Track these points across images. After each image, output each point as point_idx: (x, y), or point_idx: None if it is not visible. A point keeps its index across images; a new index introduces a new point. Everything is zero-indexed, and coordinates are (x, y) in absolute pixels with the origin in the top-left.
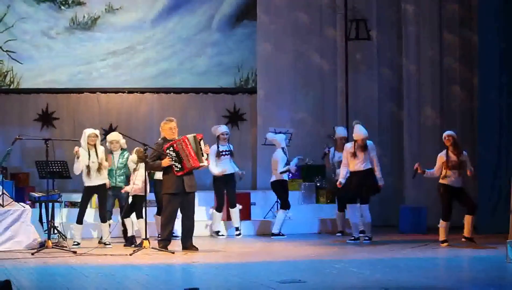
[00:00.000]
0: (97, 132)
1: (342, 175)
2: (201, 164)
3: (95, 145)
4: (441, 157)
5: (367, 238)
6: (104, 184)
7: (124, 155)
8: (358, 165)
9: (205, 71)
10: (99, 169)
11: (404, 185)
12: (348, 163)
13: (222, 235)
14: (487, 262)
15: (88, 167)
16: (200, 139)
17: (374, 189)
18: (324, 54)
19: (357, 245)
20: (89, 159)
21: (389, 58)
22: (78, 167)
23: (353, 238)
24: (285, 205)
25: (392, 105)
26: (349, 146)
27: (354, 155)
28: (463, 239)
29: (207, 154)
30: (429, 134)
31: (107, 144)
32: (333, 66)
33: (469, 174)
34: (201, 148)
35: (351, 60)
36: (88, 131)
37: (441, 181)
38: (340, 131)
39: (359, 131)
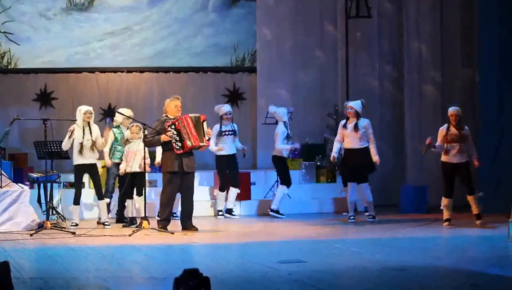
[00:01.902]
0: (91, 109)
1: (334, 150)
2: (201, 143)
3: (89, 123)
4: (441, 130)
5: (371, 216)
6: (95, 164)
7: (122, 133)
8: (354, 142)
9: (202, 51)
10: (92, 147)
11: (405, 164)
12: (341, 140)
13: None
14: (488, 242)
15: (81, 144)
16: (203, 121)
17: (370, 167)
18: (324, 31)
19: (358, 225)
20: (83, 136)
21: (389, 35)
22: (67, 143)
23: (352, 217)
24: (284, 181)
25: (393, 83)
26: (343, 122)
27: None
28: (477, 222)
29: (209, 137)
30: (430, 112)
31: (120, 119)
32: (333, 45)
33: (475, 165)
34: (203, 129)
35: (351, 38)
36: (83, 108)
37: (441, 158)
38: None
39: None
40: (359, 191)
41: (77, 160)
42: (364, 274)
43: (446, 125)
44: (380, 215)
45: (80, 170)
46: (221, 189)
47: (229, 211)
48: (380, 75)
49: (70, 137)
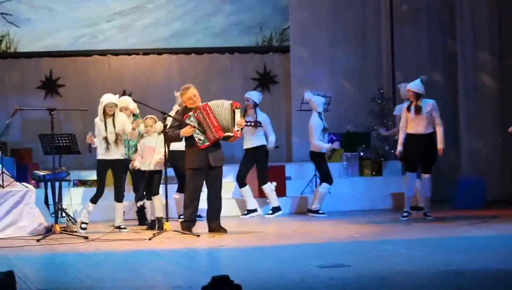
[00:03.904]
0: (116, 99)
1: (400, 141)
2: (226, 134)
3: (113, 114)
4: None
5: (429, 215)
6: (121, 160)
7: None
8: (417, 127)
9: (223, 31)
10: (116, 141)
11: (461, 153)
12: (406, 125)
13: (257, 213)
14: None
15: (106, 139)
16: (235, 109)
17: (435, 156)
18: (366, 5)
19: (407, 224)
20: (106, 130)
21: (440, 8)
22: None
23: (405, 214)
24: (325, 179)
25: (444, 63)
26: (406, 104)
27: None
28: None
29: (240, 128)
30: (486, 97)
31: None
32: (376, 21)
33: None
34: (234, 118)
35: (397, 13)
36: (105, 100)
37: None
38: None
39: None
40: (413, 183)
41: (100, 155)
42: (414, 279)
43: None
44: (432, 212)
45: (104, 165)
46: (240, 185)
47: (277, 209)
48: (429, 53)
49: (94, 144)
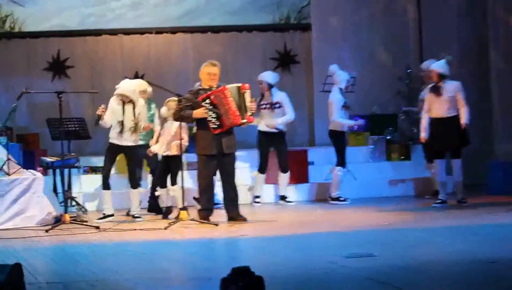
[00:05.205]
0: (131, 91)
1: (423, 126)
2: (242, 121)
3: (132, 100)
4: None
5: (465, 201)
6: (135, 146)
7: (151, 108)
8: (440, 110)
9: (238, 10)
10: (134, 129)
11: (495, 135)
12: (429, 108)
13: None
14: None
15: (122, 124)
16: (244, 92)
17: (462, 139)
18: None
19: (439, 211)
20: (123, 115)
21: None
22: (106, 124)
23: (439, 201)
24: (340, 161)
25: (476, 40)
26: (429, 87)
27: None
28: None
29: (252, 112)
30: None
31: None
32: None
33: None
34: (244, 102)
35: None
36: (120, 89)
37: None
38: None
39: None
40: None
41: (113, 139)
42: (446, 268)
43: None
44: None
45: (114, 149)
46: (260, 171)
47: (283, 198)
48: (460, 30)
49: (103, 119)
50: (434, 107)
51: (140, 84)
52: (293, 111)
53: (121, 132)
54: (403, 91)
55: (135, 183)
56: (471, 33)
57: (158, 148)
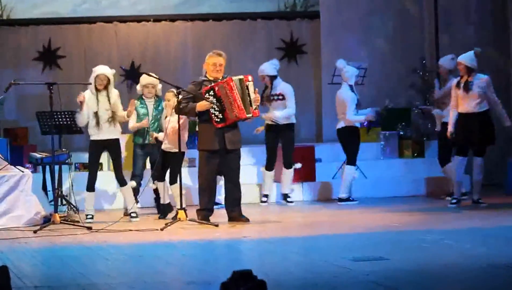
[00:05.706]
0: (110, 72)
1: (450, 121)
2: (247, 115)
3: (107, 88)
4: None
5: (482, 202)
6: (117, 139)
7: (159, 105)
8: (468, 105)
9: None
10: (112, 119)
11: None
12: (457, 104)
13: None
14: None
15: (96, 115)
16: (247, 84)
17: (489, 137)
18: None
19: (456, 211)
20: (97, 105)
21: None
22: (83, 118)
23: (454, 200)
24: (351, 160)
25: (494, 30)
26: (456, 80)
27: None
28: None
29: (257, 105)
30: None
31: (138, 88)
32: None
33: None
34: (249, 94)
35: None
36: (98, 70)
37: None
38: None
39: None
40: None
41: (93, 135)
42: (461, 273)
43: None
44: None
45: (96, 147)
46: (267, 168)
47: (285, 197)
48: (477, 18)
49: (82, 109)
50: (462, 102)
51: (152, 80)
52: (294, 105)
53: (97, 124)
54: (417, 84)
55: (121, 179)
56: (491, 22)
57: (162, 136)
